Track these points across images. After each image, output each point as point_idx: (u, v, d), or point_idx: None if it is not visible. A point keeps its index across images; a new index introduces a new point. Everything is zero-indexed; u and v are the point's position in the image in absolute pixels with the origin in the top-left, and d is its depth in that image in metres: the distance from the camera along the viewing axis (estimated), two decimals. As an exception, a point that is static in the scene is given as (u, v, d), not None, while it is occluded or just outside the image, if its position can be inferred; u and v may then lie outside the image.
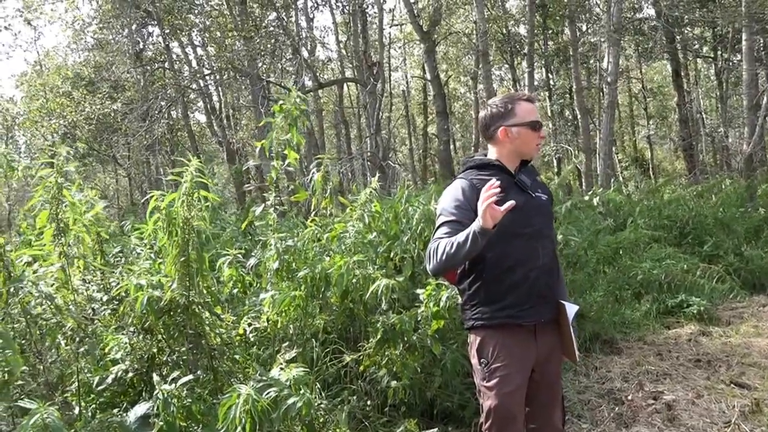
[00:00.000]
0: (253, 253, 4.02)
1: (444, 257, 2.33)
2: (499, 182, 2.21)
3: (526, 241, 2.47)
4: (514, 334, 2.48)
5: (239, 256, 3.76)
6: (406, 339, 3.43)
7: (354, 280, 3.40)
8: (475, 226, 2.23)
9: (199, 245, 2.88)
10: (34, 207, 2.93)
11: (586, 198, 6.88)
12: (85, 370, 2.93)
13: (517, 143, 2.54)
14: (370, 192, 4.16)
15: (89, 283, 3.30)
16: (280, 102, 3.57)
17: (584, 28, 19.75)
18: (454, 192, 2.51)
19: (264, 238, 3.74)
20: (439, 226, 2.46)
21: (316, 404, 2.75)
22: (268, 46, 14.21)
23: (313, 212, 4.09)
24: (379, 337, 3.37)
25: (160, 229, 2.93)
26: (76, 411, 2.83)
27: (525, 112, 2.53)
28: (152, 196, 2.93)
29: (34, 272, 2.93)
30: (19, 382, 2.78)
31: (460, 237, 2.29)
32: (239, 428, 2.34)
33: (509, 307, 2.46)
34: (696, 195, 10.24)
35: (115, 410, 2.81)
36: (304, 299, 3.41)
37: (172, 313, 2.98)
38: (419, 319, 3.50)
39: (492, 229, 2.19)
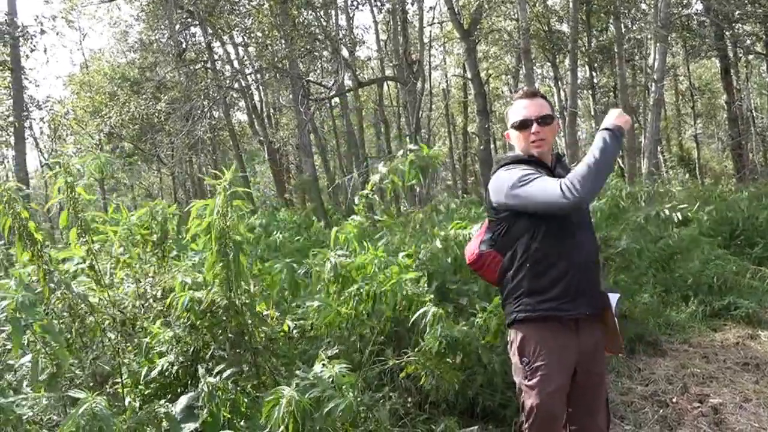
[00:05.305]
0: (308, 259, 4.02)
1: (594, 171, 2.23)
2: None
3: (568, 234, 2.44)
4: (554, 331, 2.45)
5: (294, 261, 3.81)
6: (467, 350, 3.42)
7: (405, 294, 3.38)
8: (608, 125, 2.34)
9: (236, 252, 2.91)
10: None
11: (666, 212, 6.67)
12: (133, 363, 3.00)
13: (517, 144, 2.61)
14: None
15: (132, 278, 3.38)
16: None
17: (629, 24, 19.35)
18: (514, 168, 2.48)
19: (319, 250, 3.79)
20: (533, 184, 2.36)
21: (357, 401, 2.75)
22: (307, 46, 14.31)
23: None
24: (437, 348, 3.28)
25: (200, 234, 2.98)
26: (127, 402, 2.89)
27: (512, 113, 2.60)
28: (194, 205, 3.00)
29: (67, 272, 3.01)
30: (68, 375, 2.86)
31: (597, 146, 2.29)
32: (282, 427, 2.37)
33: (551, 299, 2.44)
34: (749, 197, 9.88)
35: (161, 401, 2.87)
36: (350, 314, 3.41)
37: (212, 313, 3.04)
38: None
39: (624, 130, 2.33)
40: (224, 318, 3.03)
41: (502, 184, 2.47)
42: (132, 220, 3.43)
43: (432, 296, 3.46)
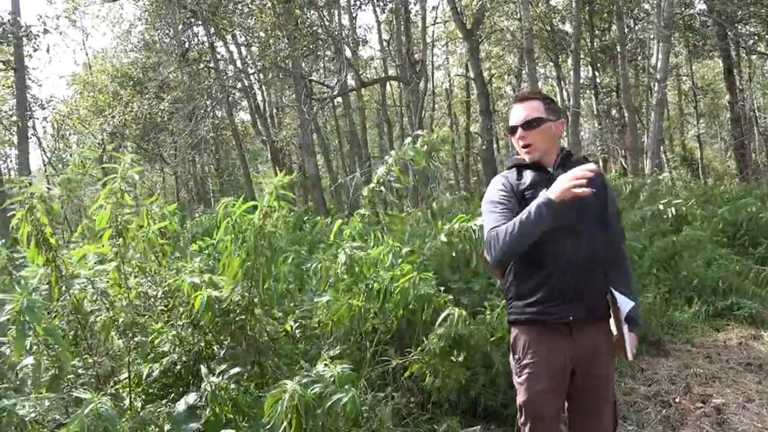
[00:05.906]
0: (314, 256, 4.02)
1: (508, 239, 2.29)
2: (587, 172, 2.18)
3: (557, 237, 2.36)
4: (540, 334, 2.44)
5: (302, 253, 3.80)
6: (471, 348, 3.40)
7: (416, 293, 3.36)
8: (540, 197, 2.24)
9: (270, 253, 2.92)
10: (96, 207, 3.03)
11: (661, 207, 6.63)
12: (136, 363, 3.00)
13: (516, 148, 2.60)
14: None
15: (144, 278, 3.38)
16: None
17: (632, 24, 19.32)
18: (495, 183, 2.55)
19: (327, 243, 3.77)
20: (488, 216, 2.44)
21: (360, 400, 2.75)
22: (311, 46, 14.33)
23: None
24: (442, 345, 3.26)
25: (229, 233, 2.98)
26: (127, 402, 2.89)
27: (510, 118, 2.58)
28: (224, 203, 3.00)
29: (90, 269, 3.02)
30: (70, 376, 2.86)
31: (522, 215, 2.28)
32: (285, 423, 2.36)
33: (534, 304, 2.43)
34: (756, 197, 9.81)
35: (164, 401, 2.86)
36: (360, 308, 3.39)
37: (226, 313, 3.04)
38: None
39: (557, 202, 2.19)
40: (242, 317, 3.03)
41: (486, 195, 2.54)
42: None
43: (451, 297, 3.43)
